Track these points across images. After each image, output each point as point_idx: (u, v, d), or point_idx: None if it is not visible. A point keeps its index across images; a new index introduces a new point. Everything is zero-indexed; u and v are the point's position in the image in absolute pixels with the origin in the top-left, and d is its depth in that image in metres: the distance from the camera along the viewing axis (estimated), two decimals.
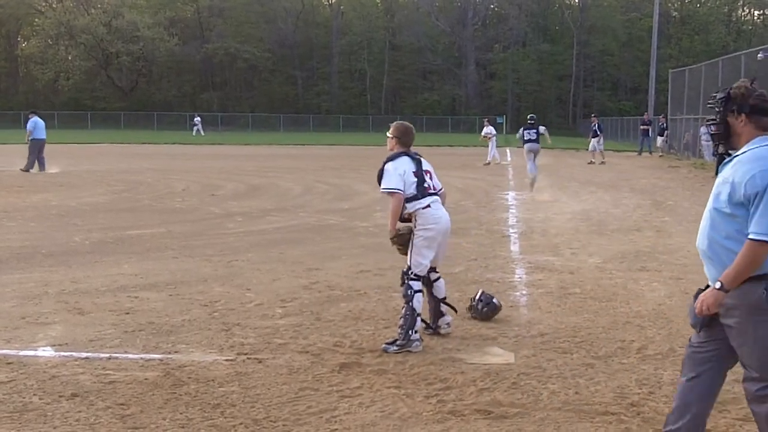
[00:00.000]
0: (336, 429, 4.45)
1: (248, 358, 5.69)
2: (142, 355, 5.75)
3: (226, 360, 5.66)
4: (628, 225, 13.24)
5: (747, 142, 3.53)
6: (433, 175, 6.31)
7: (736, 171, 3.45)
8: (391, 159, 6.16)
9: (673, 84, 39.29)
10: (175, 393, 4.97)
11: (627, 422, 4.55)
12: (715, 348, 3.61)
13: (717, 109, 3.60)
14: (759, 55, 23.59)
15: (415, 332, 5.95)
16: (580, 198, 17.75)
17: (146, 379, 5.23)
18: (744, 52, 28.60)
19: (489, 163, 29.69)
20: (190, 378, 5.26)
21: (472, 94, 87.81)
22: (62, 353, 5.76)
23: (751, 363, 3.50)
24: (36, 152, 23.91)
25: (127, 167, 26.88)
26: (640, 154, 38.44)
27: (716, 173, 3.68)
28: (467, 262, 9.58)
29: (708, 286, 3.56)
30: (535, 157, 21.60)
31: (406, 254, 6.21)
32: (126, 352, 5.82)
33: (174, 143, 48.99)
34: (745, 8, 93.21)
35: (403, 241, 6.16)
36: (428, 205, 6.09)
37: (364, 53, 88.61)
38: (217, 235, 11.90)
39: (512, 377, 5.32)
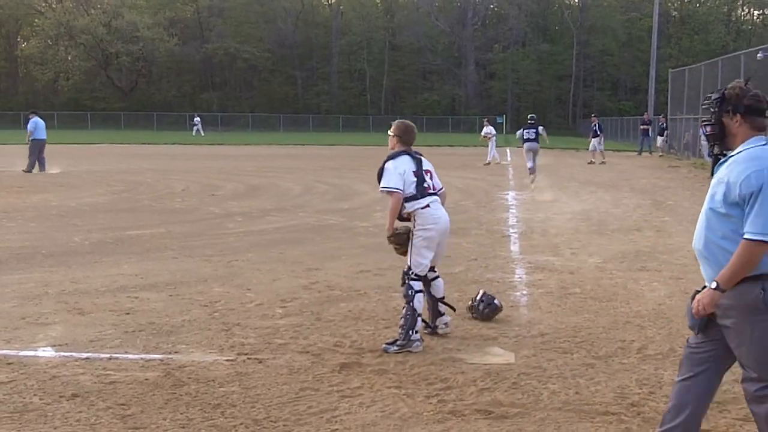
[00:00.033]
0: (336, 429, 4.45)
1: (248, 359, 5.69)
2: (143, 356, 5.75)
3: (227, 360, 5.65)
4: (628, 225, 13.24)
5: (742, 142, 3.53)
6: (434, 175, 6.30)
7: (731, 171, 3.46)
8: (391, 158, 6.16)
9: (672, 84, 39.29)
10: (176, 393, 4.97)
11: (627, 422, 4.55)
12: (713, 348, 3.61)
13: (712, 110, 3.61)
14: (758, 55, 23.58)
15: (416, 332, 5.95)
16: (580, 198, 17.75)
17: (147, 379, 5.23)
18: (743, 51, 28.59)
19: (489, 163, 29.70)
20: (190, 378, 5.26)
21: (471, 94, 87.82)
22: (62, 353, 5.76)
23: (749, 363, 3.51)
24: (37, 153, 23.89)
25: (126, 167, 26.88)
26: (640, 153, 38.44)
27: (712, 174, 3.68)
28: (467, 262, 9.58)
29: (705, 287, 3.56)
30: (534, 156, 21.67)
31: (402, 254, 6.22)
32: (126, 353, 5.82)
33: (174, 143, 48.99)
34: (744, 8, 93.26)
35: (400, 241, 6.16)
36: (427, 205, 6.09)
37: (364, 53, 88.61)
38: (217, 235, 11.90)
39: (513, 377, 5.32)
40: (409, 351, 5.86)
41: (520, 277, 8.79)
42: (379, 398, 4.91)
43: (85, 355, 5.74)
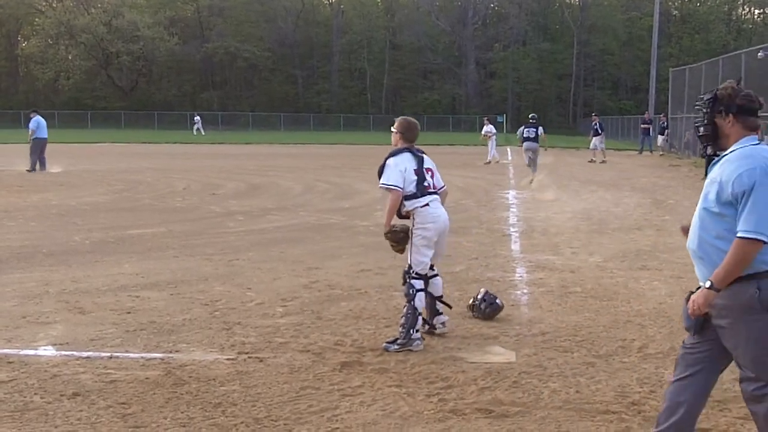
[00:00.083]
0: (337, 428, 4.45)
1: (249, 357, 5.69)
2: (143, 354, 5.75)
3: (227, 359, 5.66)
4: (629, 224, 13.24)
5: (735, 142, 3.54)
6: (435, 173, 6.30)
7: (724, 170, 3.47)
8: (393, 154, 6.15)
9: (673, 83, 39.29)
10: (176, 392, 4.97)
11: (628, 421, 4.55)
12: (708, 349, 3.61)
13: (704, 111, 3.62)
14: (759, 54, 23.58)
15: (417, 331, 5.95)
16: (581, 197, 17.75)
17: (147, 378, 5.23)
18: (744, 50, 28.57)
19: (489, 162, 29.69)
20: (191, 377, 5.26)
21: (472, 94, 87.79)
22: (63, 352, 5.76)
23: (745, 363, 3.51)
24: (38, 152, 23.89)
25: (127, 167, 26.87)
26: (640, 153, 38.43)
27: (705, 174, 3.69)
28: (468, 261, 9.58)
29: (699, 288, 3.57)
30: (534, 155, 21.70)
31: (398, 251, 6.23)
32: (127, 352, 5.82)
33: (174, 142, 48.98)
34: (745, 7, 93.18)
35: (396, 238, 6.15)
36: (427, 204, 6.09)
37: (365, 52, 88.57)
38: (218, 234, 11.90)
39: (513, 376, 5.32)
40: (409, 350, 5.86)
41: (520, 276, 8.79)
42: (380, 397, 4.92)
43: (85, 354, 5.74)
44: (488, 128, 30.72)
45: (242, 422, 4.51)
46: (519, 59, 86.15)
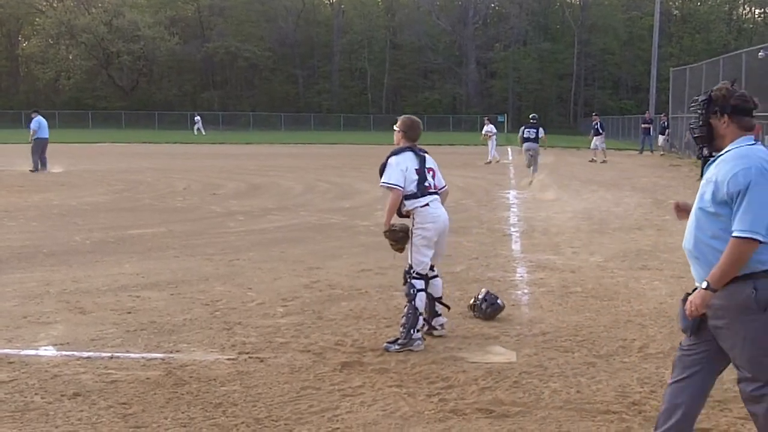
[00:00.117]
0: (338, 428, 4.45)
1: (250, 357, 5.69)
2: (144, 355, 5.75)
3: (228, 359, 5.66)
4: (630, 224, 13.24)
5: (731, 142, 3.55)
6: (437, 173, 6.29)
7: (720, 170, 3.48)
8: (395, 153, 6.15)
9: (674, 83, 39.28)
10: (177, 392, 4.97)
11: (628, 421, 4.55)
12: (705, 350, 3.62)
13: (699, 112, 3.62)
14: (760, 54, 23.58)
15: (417, 331, 5.95)
16: (582, 197, 17.75)
17: (148, 378, 5.23)
18: (745, 50, 28.56)
19: (490, 162, 29.68)
20: (191, 377, 5.26)
21: (473, 93, 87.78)
22: (64, 352, 5.77)
23: (742, 363, 3.51)
24: (39, 151, 23.90)
25: (127, 166, 26.88)
26: (641, 152, 38.41)
27: (701, 175, 3.69)
28: (468, 260, 9.58)
29: (696, 288, 3.57)
30: (534, 156, 21.70)
31: (397, 250, 6.23)
32: (128, 352, 5.82)
33: (175, 142, 48.98)
34: (745, 6, 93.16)
35: (395, 237, 6.15)
36: (427, 204, 6.09)
37: (365, 52, 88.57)
38: (219, 234, 11.91)
39: (514, 376, 5.32)
40: (410, 350, 5.86)
41: (521, 276, 8.79)
42: (381, 397, 4.92)
43: (86, 354, 5.74)
44: (489, 128, 30.72)
45: (243, 422, 4.51)
46: (520, 59, 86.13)
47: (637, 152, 38.84)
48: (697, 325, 3.57)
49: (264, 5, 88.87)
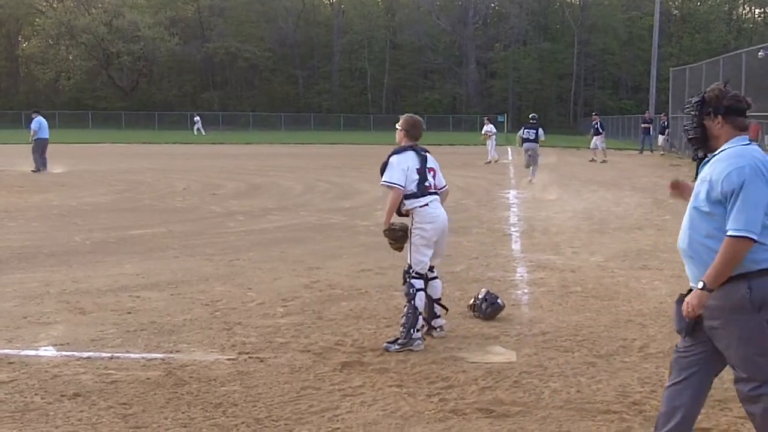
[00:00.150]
0: (338, 428, 4.45)
1: (250, 358, 5.69)
2: (144, 355, 5.75)
3: (228, 359, 5.66)
4: (630, 223, 13.24)
5: (726, 143, 3.56)
6: (438, 173, 6.29)
7: (714, 169, 3.49)
8: (396, 152, 6.15)
9: (674, 82, 39.28)
10: (177, 392, 4.97)
11: (629, 421, 4.55)
12: (701, 351, 3.62)
13: (693, 114, 3.63)
14: (760, 54, 23.58)
15: (417, 331, 5.95)
16: (582, 196, 17.74)
17: (148, 378, 5.23)
18: (745, 50, 28.56)
19: (490, 162, 29.68)
20: (191, 377, 5.26)
21: (472, 93, 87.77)
22: (64, 353, 5.77)
23: (738, 363, 3.51)
24: (40, 152, 23.89)
25: (127, 167, 26.88)
26: (641, 152, 38.41)
27: (695, 176, 3.71)
28: (468, 260, 9.58)
29: (690, 291, 3.57)
30: (533, 156, 21.70)
31: (396, 249, 6.23)
32: (128, 352, 5.82)
33: (175, 143, 48.98)
34: (745, 6, 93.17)
35: (394, 236, 6.15)
36: (426, 204, 6.09)
37: (365, 52, 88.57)
38: (218, 234, 11.91)
39: (514, 376, 5.32)
40: (410, 350, 5.86)
41: (521, 276, 8.79)
42: (381, 397, 4.92)
43: (86, 354, 5.74)
44: (488, 128, 30.71)
45: (243, 422, 4.51)
46: (519, 59, 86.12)
47: (637, 152, 38.83)
48: (692, 326, 3.57)
49: (264, 6, 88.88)
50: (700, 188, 3.54)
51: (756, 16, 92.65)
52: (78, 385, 5.09)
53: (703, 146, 3.65)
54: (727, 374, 3.78)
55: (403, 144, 6.23)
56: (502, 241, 11.42)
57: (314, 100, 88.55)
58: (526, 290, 8.06)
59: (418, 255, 6.07)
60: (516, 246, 10.96)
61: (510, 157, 33.06)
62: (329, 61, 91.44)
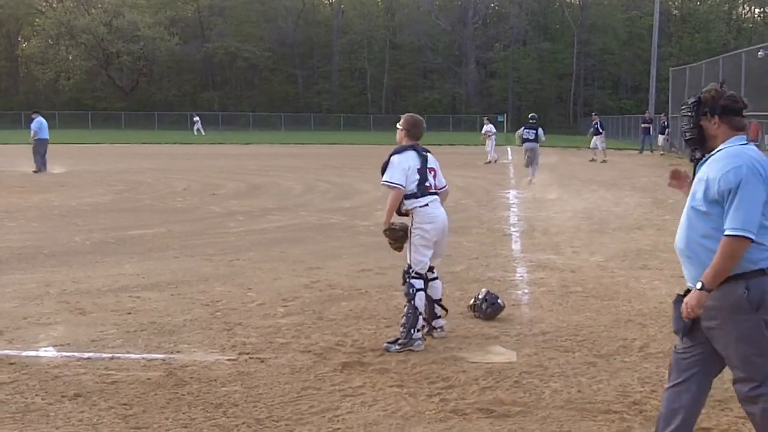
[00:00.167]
0: (338, 428, 4.45)
1: (250, 358, 5.69)
2: (144, 355, 5.75)
3: (228, 360, 5.66)
4: (630, 223, 13.24)
5: (723, 142, 3.57)
6: (438, 173, 6.29)
7: (711, 169, 3.50)
8: (397, 152, 6.14)
9: (673, 82, 39.28)
10: (178, 393, 4.97)
11: (629, 420, 4.55)
12: (700, 352, 3.62)
13: (690, 115, 3.64)
14: (759, 53, 23.57)
15: (417, 331, 5.94)
16: (582, 196, 17.74)
17: (148, 379, 5.23)
18: (745, 50, 28.56)
19: (490, 162, 29.68)
20: (192, 378, 5.26)
21: (472, 93, 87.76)
22: (64, 353, 5.77)
23: (736, 364, 3.51)
24: (41, 152, 23.89)
25: (127, 167, 26.88)
26: (641, 152, 38.41)
27: (692, 177, 3.72)
28: (468, 260, 9.58)
29: (687, 291, 3.57)
30: (533, 156, 21.72)
31: (396, 249, 6.23)
32: (128, 352, 5.82)
33: (175, 143, 48.99)
34: (745, 6, 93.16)
35: (394, 236, 6.15)
36: (426, 204, 6.09)
37: (365, 52, 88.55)
38: (218, 234, 11.91)
39: (514, 376, 5.32)
40: (410, 350, 5.86)
41: (521, 276, 8.79)
42: (381, 397, 4.92)
43: (86, 355, 5.74)
44: (488, 128, 30.72)
45: (243, 423, 4.51)
46: (519, 59, 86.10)
47: (637, 152, 38.84)
48: (690, 327, 3.57)
49: (264, 5, 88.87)
50: (697, 188, 3.55)
51: (756, 15, 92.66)
52: (78, 385, 5.09)
53: (700, 147, 3.66)
54: (728, 374, 3.78)
55: (403, 143, 6.22)
56: (502, 241, 11.42)
57: (314, 100, 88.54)
58: (526, 290, 8.06)
59: (418, 255, 6.07)
60: (516, 246, 10.97)
61: (510, 157, 33.08)
62: (329, 61, 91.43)
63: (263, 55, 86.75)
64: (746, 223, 3.33)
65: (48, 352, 5.82)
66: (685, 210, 3.64)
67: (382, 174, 6.13)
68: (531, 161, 21.70)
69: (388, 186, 6.08)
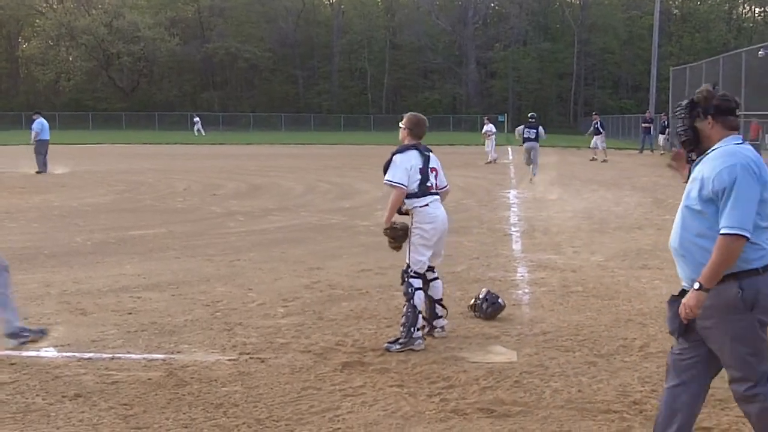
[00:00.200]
0: (339, 428, 4.46)
1: (251, 358, 5.69)
2: (145, 356, 5.76)
3: (229, 360, 5.66)
4: (630, 223, 13.24)
5: (718, 142, 3.57)
6: (440, 173, 6.28)
7: (705, 168, 3.51)
8: (400, 151, 6.14)
9: (674, 82, 39.27)
10: (178, 393, 4.98)
11: (629, 420, 4.55)
12: (697, 354, 3.62)
13: (684, 116, 3.64)
14: (760, 53, 23.56)
15: (418, 330, 5.95)
16: (582, 196, 17.74)
17: (149, 379, 5.24)
18: (745, 49, 28.54)
19: (491, 162, 29.67)
20: (192, 378, 5.26)
21: (472, 93, 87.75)
22: (65, 354, 5.77)
23: (731, 363, 3.52)
24: (43, 153, 23.91)
25: (128, 167, 26.89)
26: (641, 152, 38.40)
27: (687, 177, 3.72)
28: (469, 260, 9.58)
29: (682, 291, 3.57)
30: (534, 155, 21.74)
31: (395, 248, 6.22)
32: (129, 353, 5.83)
33: (175, 143, 48.98)
34: (745, 5, 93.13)
35: (394, 235, 6.15)
36: (427, 204, 6.09)
37: (365, 52, 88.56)
38: (219, 234, 11.91)
39: (515, 376, 5.32)
40: (411, 349, 5.86)
41: (522, 276, 8.79)
42: (382, 397, 4.92)
43: (87, 355, 5.74)
44: (488, 127, 30.72)
45: (244, 423, 4.51)
46: (519, 59, 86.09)
47: (638, 151, 38.83)
48: (684, 328, 3.57)
49: (264, 6, 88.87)
50: (691, 186, 3.56)
51: (756, 15, 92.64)
52: (79, 385, 5.09)
53: (696, 148, 3.67)
54: (711, 382, 3.78)
55: (406, 142, 6.22)
56: (503, 241, 11.42)
57: (314, 101, 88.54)
58: (526, 290, 8.06)
59: (417, 255, 6.07)
60: (517, 246, 10.97)
61: (510, 157, 33.08)
62: (329, 61, 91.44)
63: (263, 56, 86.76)
64: (742, 221, 3.34)
65: (49, 353, 5.82)
66: (679, 209, 3.65)
67: (385, 173, 6.13)
68: (531, 160, 21.74)
69: (390, 185, 6.08)
